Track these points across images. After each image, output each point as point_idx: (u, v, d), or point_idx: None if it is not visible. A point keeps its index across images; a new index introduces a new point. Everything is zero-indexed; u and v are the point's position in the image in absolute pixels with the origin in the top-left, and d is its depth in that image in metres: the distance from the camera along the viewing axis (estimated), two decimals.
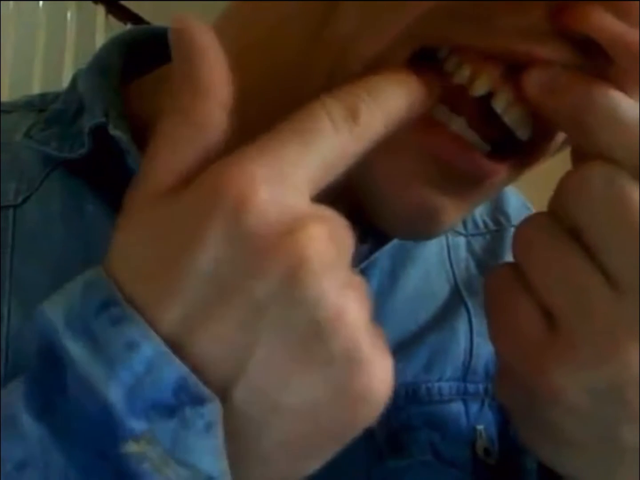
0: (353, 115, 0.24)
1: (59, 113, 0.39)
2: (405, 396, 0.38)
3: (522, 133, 0.30)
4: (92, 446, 0.21)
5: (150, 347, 0.21)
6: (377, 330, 0.24)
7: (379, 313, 0.39)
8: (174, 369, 0.21)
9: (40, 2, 2.72)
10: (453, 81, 0.29)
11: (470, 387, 0.40)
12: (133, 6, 2.72)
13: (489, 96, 0.29)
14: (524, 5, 0.26)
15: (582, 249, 0.26)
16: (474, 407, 0.39)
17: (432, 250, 0.43)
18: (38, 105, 0.41)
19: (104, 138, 0.35)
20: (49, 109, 0.40)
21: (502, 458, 0.39)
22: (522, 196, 0.48)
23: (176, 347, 0.22)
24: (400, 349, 0.39)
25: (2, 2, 2.53)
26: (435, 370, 0.39)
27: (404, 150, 0.29)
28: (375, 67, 0.27)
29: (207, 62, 0.24)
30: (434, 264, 0.43)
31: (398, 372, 0.38)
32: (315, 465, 0.25)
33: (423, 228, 0.32)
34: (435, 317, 0.41)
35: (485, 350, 0.40)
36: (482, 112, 0.30)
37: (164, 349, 0.21)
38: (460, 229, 0.45)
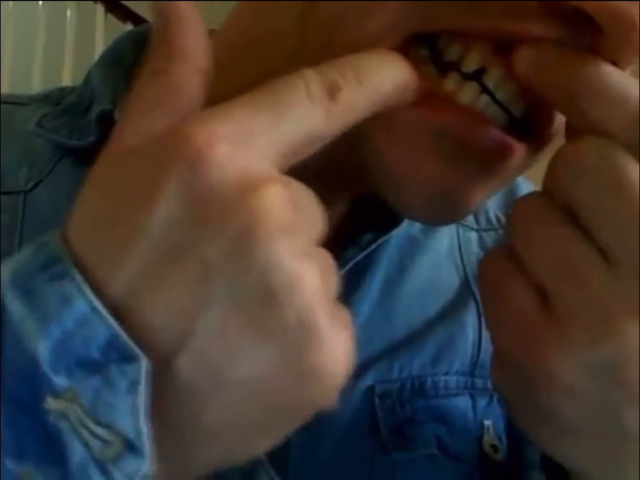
0: (332, 93, 0.23)
1: (72, 105, 0.40)
2: (411, 389, 0.38)
3: (516, 110, 0.29)
4: (18, 402, 0.21)
5: (84, 302, 0.21)
6: (340, 307, 0.23)
7: (387, 303, 0.39)
8: (105, 326, 0.21)
9: (40, 2, 2.71)
10: (444, 59, 0.28)
11: (478, 382, 0.39)
12: (133, 5, 2.71)
13: (481, 73, 0.28)
14: None
15: (577, 227, 0.25)
16: (482, 402, 0.39)
17: (442, 244, 0.42)
18: (55, 98, 0.42)
19: (112, 126, 0.35)
20: (64, 102, 0.41)
21: (509, 453, 0.38)
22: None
23: (122, 307, 0.21)
24: (408, 341, 0.39)
25: (2, 1, 2.52)
26: (443, 363, 0.39)
27: (411, 130, 0.28)
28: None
29: (185, 25, 0.24)
30: (444, 257, 0.42)
31: (405, 363, 0.38)
32: (265, 445, 0.24)
33: (444, 210, 0.31)
34: (444, 310, 0.40)
35: None
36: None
37: (98, 305, 0.21)
38: (472, 223, 0.45)
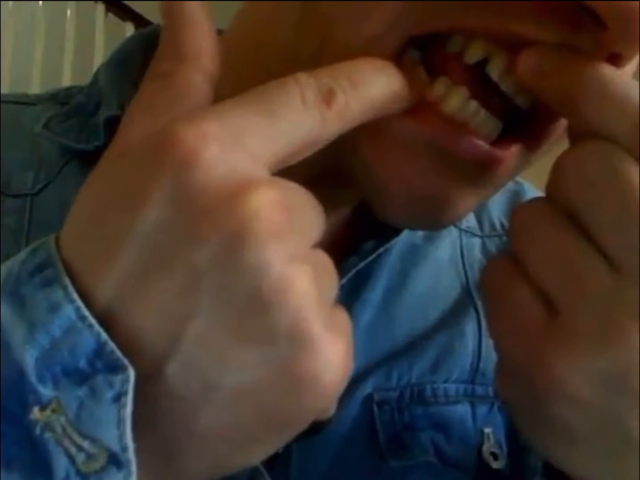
0: (327, 99, 0.23)
1: (79, 106, 0.40)
2: (410, 397, 0.37)
3: (522, 101, 0.29)
4: (6, 413, 0.20)
5: (72, 309, 0.20)
6: (337, 312, 0.23)
7: (388, 312, 0.39)
8: (93, 334, 0.20)
9: (40, 2, 2.71)
10: (447, 51, 0.28)
11: (479, 389, 0.39)
12: (133, 5, 2.71)
13: (485, 64, 0.28)
14: None
15: (580, 232, 0.25)
16: (482, 410, 0.39)
17: (444, 251, 0.42)
18: (62, 98, 0.42)
19: None
20: (71, 102, 0.40)
21: (509, 461, 0.38)
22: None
23: (110, 314, 0.20)
24: (408, 349, 0.38)
25: (2, 1, 2.52)
26: (442, 371, 0.39)
27: (397, 137, 0.28)
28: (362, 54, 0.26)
29: (194, 27, 0.24)
30: (446, 264, 0.42)
31: (404, 371, 0.38)
32: (259, 455, 0.23)
33: (427, 216, 0.31)
34: (444, 317, 0.40)
35: None
36: (481, 85, 0.29)
37: (85, 312, 0.20)
38: (476, 230, 0.44)
